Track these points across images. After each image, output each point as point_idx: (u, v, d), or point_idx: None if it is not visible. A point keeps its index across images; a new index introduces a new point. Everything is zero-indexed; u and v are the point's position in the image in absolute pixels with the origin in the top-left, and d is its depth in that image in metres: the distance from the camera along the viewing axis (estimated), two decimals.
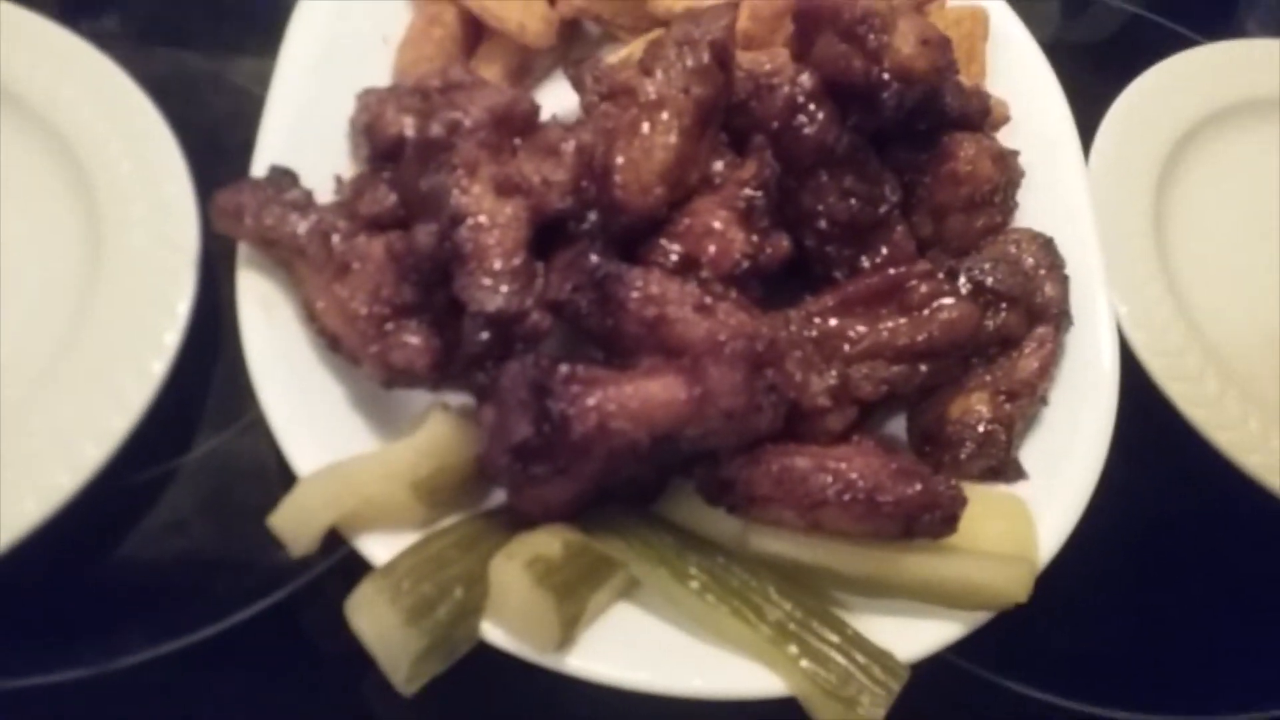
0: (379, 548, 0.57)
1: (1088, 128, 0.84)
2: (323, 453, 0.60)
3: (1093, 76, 0.91)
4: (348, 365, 0.64)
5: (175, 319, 0.64)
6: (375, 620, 0.53)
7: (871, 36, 0.63)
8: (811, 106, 0.66)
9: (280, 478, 0.61)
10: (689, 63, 0.66)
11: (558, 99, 0.77)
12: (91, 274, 0.66)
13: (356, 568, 0.57)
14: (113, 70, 0.72)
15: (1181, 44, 0.95)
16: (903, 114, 0.66)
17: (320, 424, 0.62)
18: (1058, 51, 0.85)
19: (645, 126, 0.65)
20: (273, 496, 0.60)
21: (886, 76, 0.64)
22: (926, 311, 0.66)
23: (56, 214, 0.69)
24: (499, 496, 0.62)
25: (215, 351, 0.66)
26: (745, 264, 0.65)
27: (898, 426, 0.71)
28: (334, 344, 0.64)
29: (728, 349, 0.58)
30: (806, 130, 0.65)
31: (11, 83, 0.72)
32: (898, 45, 0.64)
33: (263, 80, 0.74)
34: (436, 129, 0.62)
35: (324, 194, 0.69)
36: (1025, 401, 0.68)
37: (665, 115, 0.65)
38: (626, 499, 0.63)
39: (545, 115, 0.69)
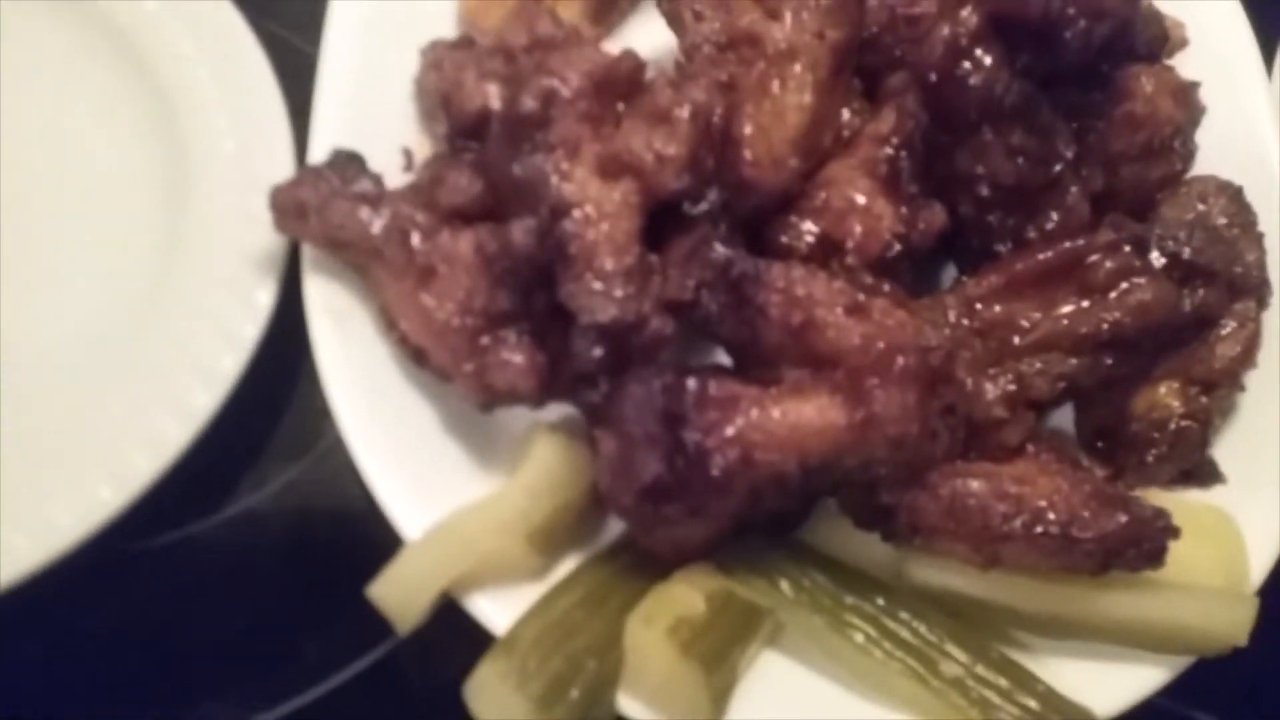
0: (495, 609, 0.50)
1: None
2: (418, 490, 0.53)
3: None
4: (435, 380, 0.55)
5: (256, 311, 0.56)
6: (501, 709, 0.46)
7: None
8: (977, 51, 0.55)
9: (366, 512, 0.53)
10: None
11: (651, 38, 0.66)
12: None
13: (455, 622, 0.50)
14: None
15: None
16: (1089, 55, 0.55)
17: (407, 450, 0.54)
18: None
19: (775, 85, 0.55)
20: (358, 535, 0.54)
21: (1072, 11, 0.53)
22: (1114, 293, 0.56)
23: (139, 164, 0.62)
24: (618, 523, 0.54)
25: (289, 363, 0.57)
26: (897, 246, 0.55)
27: (1061, 418, 0.61)
28: (419, 358, 0.55)
29: (898, 365, 0.48)
30: (972, 80, 0.55)
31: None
32: None
33: (302, 28, 0.66)
34: (529, 102, 0.52)
35: (392, 172, 0.59)
36: (1224, 391, 0.59)
37: (798, 68, 0.55)
38: (765, 528, 0.55)
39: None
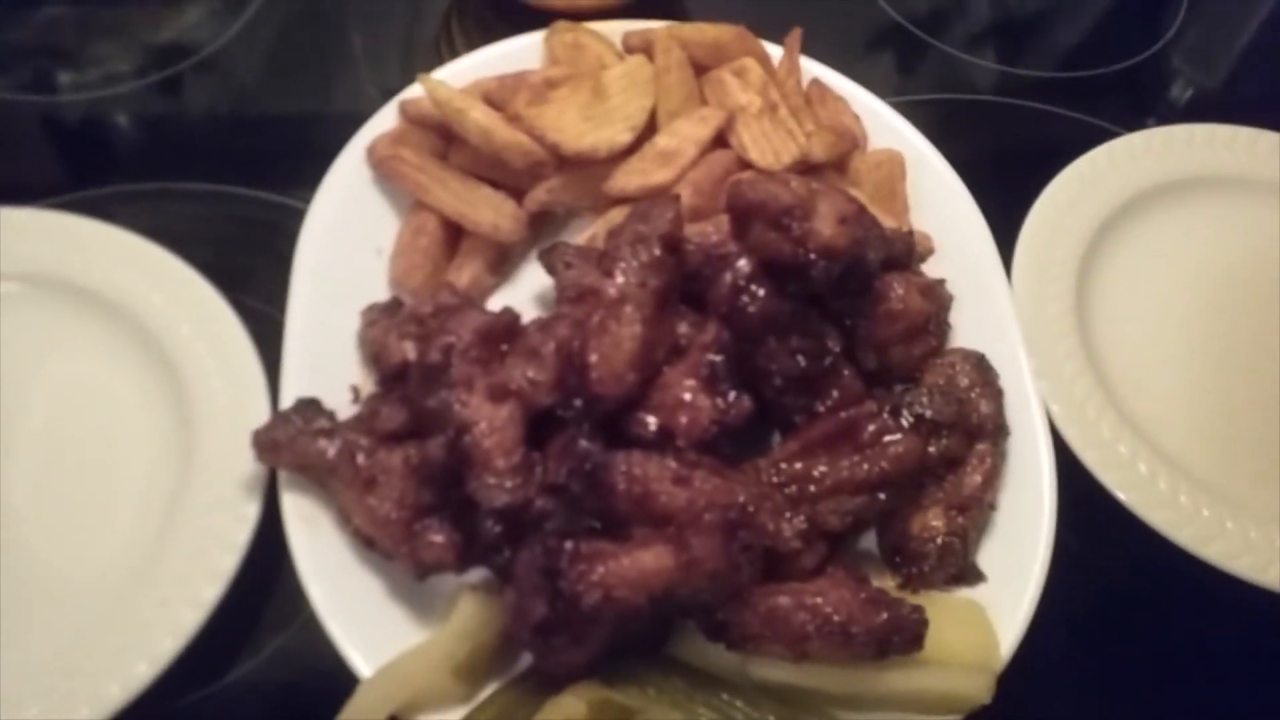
0: None
1: (1008, 224, 0.94)
2: (373, 643, 0.70)
3: (1014, 172, 1.00)
4: (381, 560, 0.74)
5: (246, 522, 0.75)
6: None
7: (795, 225, 0.73)
8: (753, 287, 0.75)
9: (338, 665, 0.70)
10: (643, 258, 0.76)
11: (536, 280, 0.88)
12: (182, 477, 0.78)
13: None
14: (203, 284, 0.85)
15: (1091, 131, 1.05)
16: (832, 281, 0.76)
17: (367, 617, 0.72)
18: (980, 153, 0.95)
19: (612, 324, 0.74)
20: (335, 684, 0.70)
21: (813, 257, 0.74)
22: (877, 448, 0.75)
23: (152, 416, 0.82)
24: (527, 658, 0.72)
25: (274, 558, 0.75)
26: (714, 429, 0.74)
27: (870, 541, 0.80)
28: (369, 545, 0.73)
29: (705, 519, 0.67)
30: (751, 309, 0.75)
31: (112, 294, 0.85)
32: (819, 228, 0.73)
33: (275, 299, 0.84)
34: (434, 354, 0.72)
35: (343, 404, 0.79)
36: (975, 512, 0.77)
37: (629, 309, 0.74)
38: (638, 646, 0.72)
39: (525, 293, 0.83)
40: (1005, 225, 0.93)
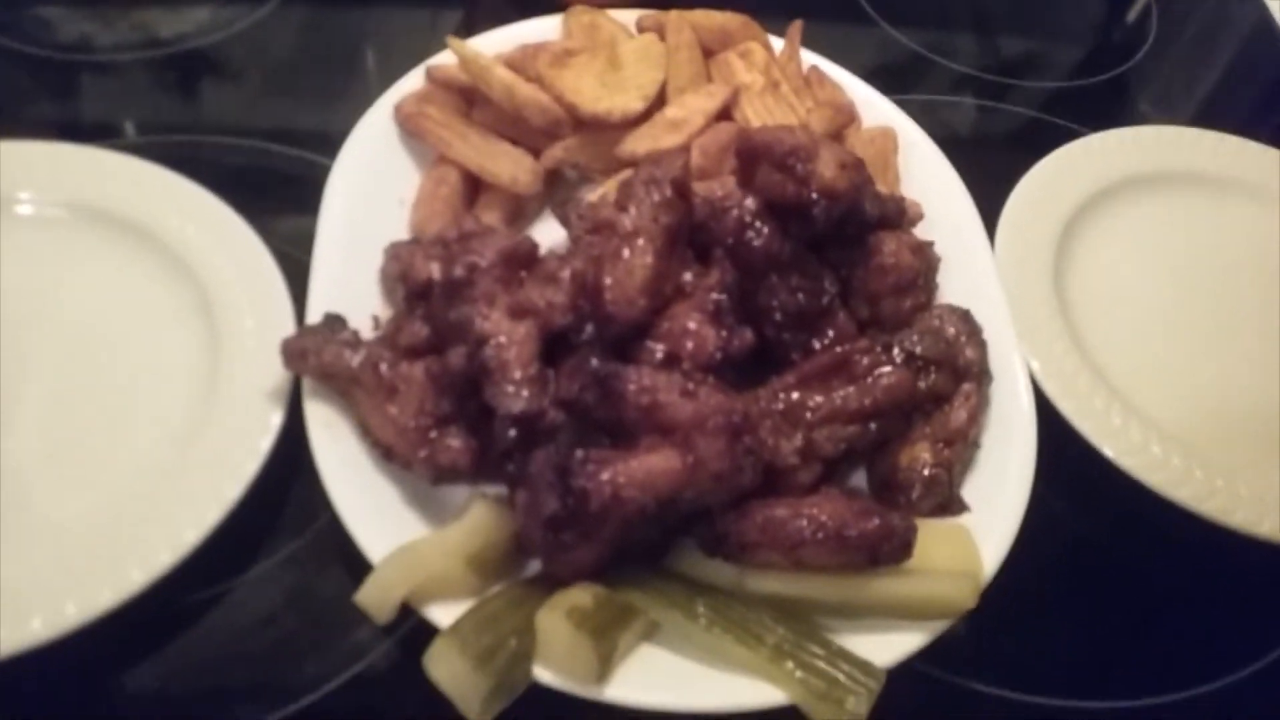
0: (444, 614, 0.70)
1: (993, 211, 1.01)
2: (388, 541, 0.73)
3: (995, 168, 1.07)
4: (398, 470, 0.77)
5: (270, 430, 0.79)
6: (449, 668, 0.66)
7: (799, 166, 0.79)
8: (758, 224, 0.81)
9: (349, 571, 0.74)
10: (655, 197, 0.81)
11: (549, 233, 0.93)
12: (207, 392, 0.82)
13: (417, 640, 0.69)
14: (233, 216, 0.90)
15: (1070, 137, 1.12)
16: (832, 224, 0.81)
17: (384, 518, 0.75)
18: (963, 150, 1.02)
19: (625, 252, 0.79)
20: (344, 587, 0.73)
21: (815, 196, 0.79)
22: (870, 379, 0.80)
23: (183, 334, 0.86)
24: (535, 567, 0.75)
25: (293, 471, 0.79)
26: (718, 355, 0.78)
27: (859, 480, 0.84)
28: (387, 454, 0.77)
29: (710, 423, 0.71)
30: (756, 243, 0.80)
31: (145, 222, 0.89)
32: (821, 170, 0.79)
33: (298, 243, 0.89)
34: (458, 270, 0.77)
35: (365, 333, 0.83)
36: (960, 447, 0.82)
37: (641, 241, 0.79)
38: (640, 558, 0.76)
39: (542, 249, 0.85)
40: (985, 211, 0.99)
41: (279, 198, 0.98)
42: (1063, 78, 1.27)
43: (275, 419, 0.79)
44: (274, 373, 0.79)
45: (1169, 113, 1.25)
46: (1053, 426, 0.87)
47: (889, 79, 1.14)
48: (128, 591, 0.70)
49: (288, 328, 0.83)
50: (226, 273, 0.86)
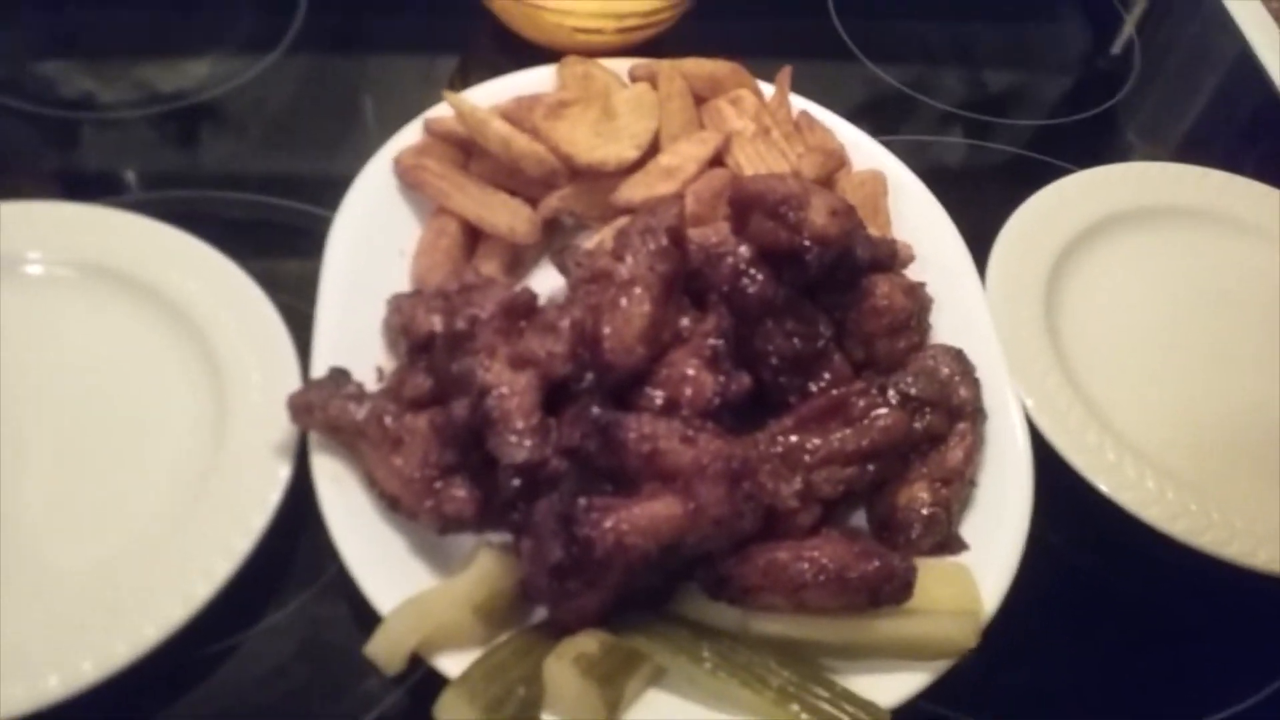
0: (452, 663, 0.71)
1: (983, 249, 1.02)
2: (396, 591, 0.74)
3: (984, 206, 1.09)
4: (404, 521, 0.78)
5: (278, 484, 0.80)
6: (459, 717, 0.66)
7: (791, 214, 0.81)
8: (752, 271, 0.82)
9: (358, 621, 0.75)
10: (651, 246, 0.82)
11: (548, 280, 0.94)
12: (215, 446, 0.83)
13: (427, 689, 0.70)
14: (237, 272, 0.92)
15: (1057, 173, 1.14)
16: (825, 269, 0.83)
17: (391, 569, 0.76)
18: (951, 189, 1.04)
19: (623, 301, 0.80)
20: (354, 637, 0.74)
21: (807, 243, 0.81)
22: (866, 421, 0.81)
23: (189, 389, 0.87)
24: (541, 614, 0.76)
25: (300, 524, 0.80)
26: (716, 400, 0.79)
27: (859, 519, 0.85)
28: (394, 505, 0.78)
29: (711, 469, 0.72)
30: (751, 290, 0.82)
31: (150, 280, 0.91)
32: (813, 218, 0.81)
33: (301, 294, 0.91)
34: (460, 323, 0.78)
35: (369, 384, 0.85)
36: (957, 485, 0.83)
37: (638, 290, 0.80)
38: (644, 603, 0.77)
39: (541, 296, 0.86)
40: (975, 249, 1.01)
41: (281, 250, 1.00)
42: (1047, 115, 1.30)
43: (283, 473, 0.80)
44: (280, 427, 0.80)
45: (1155, 146, 1.28)
46: (1048, 463, 0.88)
47: (875, 118, 1.16)
48: (143, 646, 0.71)
49: (293, 380, 0.85)
50: (231, 327, 0.87)
